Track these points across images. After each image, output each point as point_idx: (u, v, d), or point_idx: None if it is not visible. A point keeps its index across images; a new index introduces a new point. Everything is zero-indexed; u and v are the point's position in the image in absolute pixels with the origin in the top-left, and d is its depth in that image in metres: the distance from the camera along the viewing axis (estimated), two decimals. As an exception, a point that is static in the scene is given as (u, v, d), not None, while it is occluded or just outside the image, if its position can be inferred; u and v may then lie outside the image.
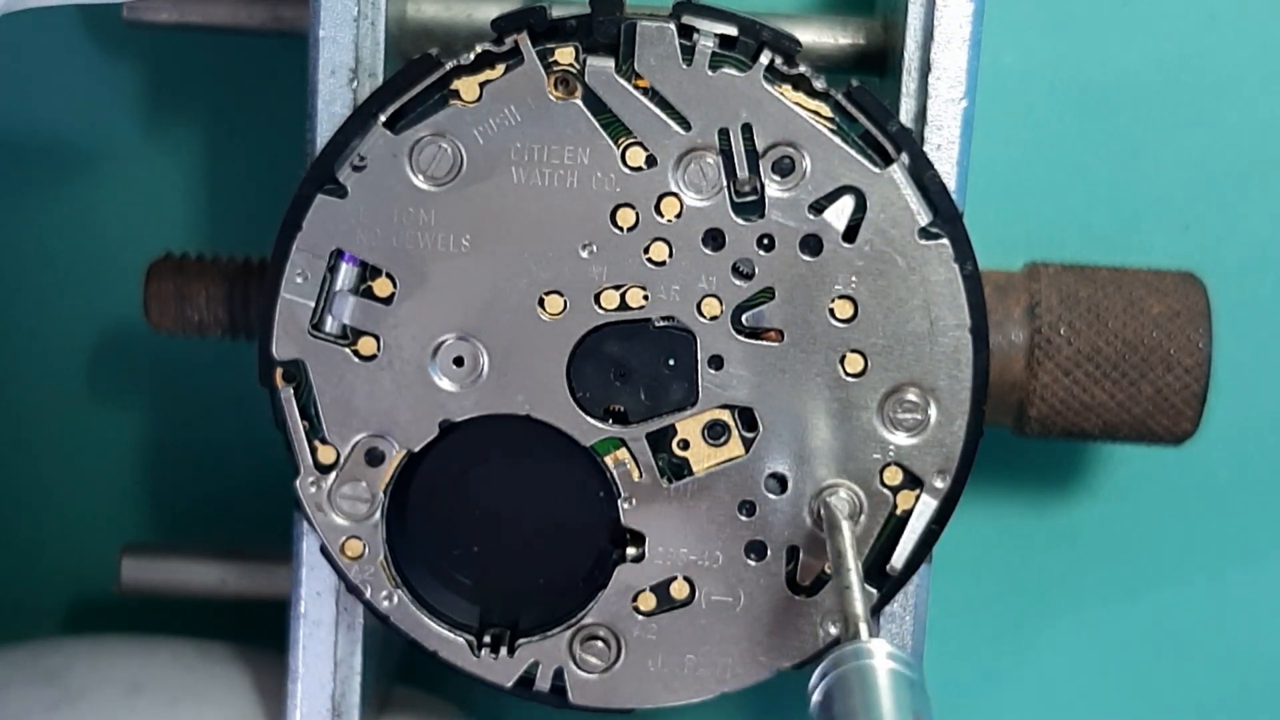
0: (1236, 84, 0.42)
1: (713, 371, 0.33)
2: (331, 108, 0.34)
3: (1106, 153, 0.42)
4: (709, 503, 0.34)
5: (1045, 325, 0.36)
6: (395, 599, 0.34)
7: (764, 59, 0.32)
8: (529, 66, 0.32)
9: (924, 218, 0.33)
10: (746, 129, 0.32)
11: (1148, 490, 0.43)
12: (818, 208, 0.33)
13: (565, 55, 0.32)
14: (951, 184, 0.33)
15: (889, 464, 0.33)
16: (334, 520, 0.34)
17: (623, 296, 0.33)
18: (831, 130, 0.32)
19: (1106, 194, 0.42)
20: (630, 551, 0.34)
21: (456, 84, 0.32)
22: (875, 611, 0.34)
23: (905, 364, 0.33)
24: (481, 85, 0.32)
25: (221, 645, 0.39)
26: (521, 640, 0.34)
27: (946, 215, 0.33)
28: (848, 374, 0.33)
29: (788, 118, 0.32)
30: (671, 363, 0.33)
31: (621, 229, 0.33)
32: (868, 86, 0.33)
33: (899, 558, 0.34)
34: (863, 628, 0.30)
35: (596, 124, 0.32)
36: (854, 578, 0.31)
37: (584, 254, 0.33)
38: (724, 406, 0.33)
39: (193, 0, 0.38)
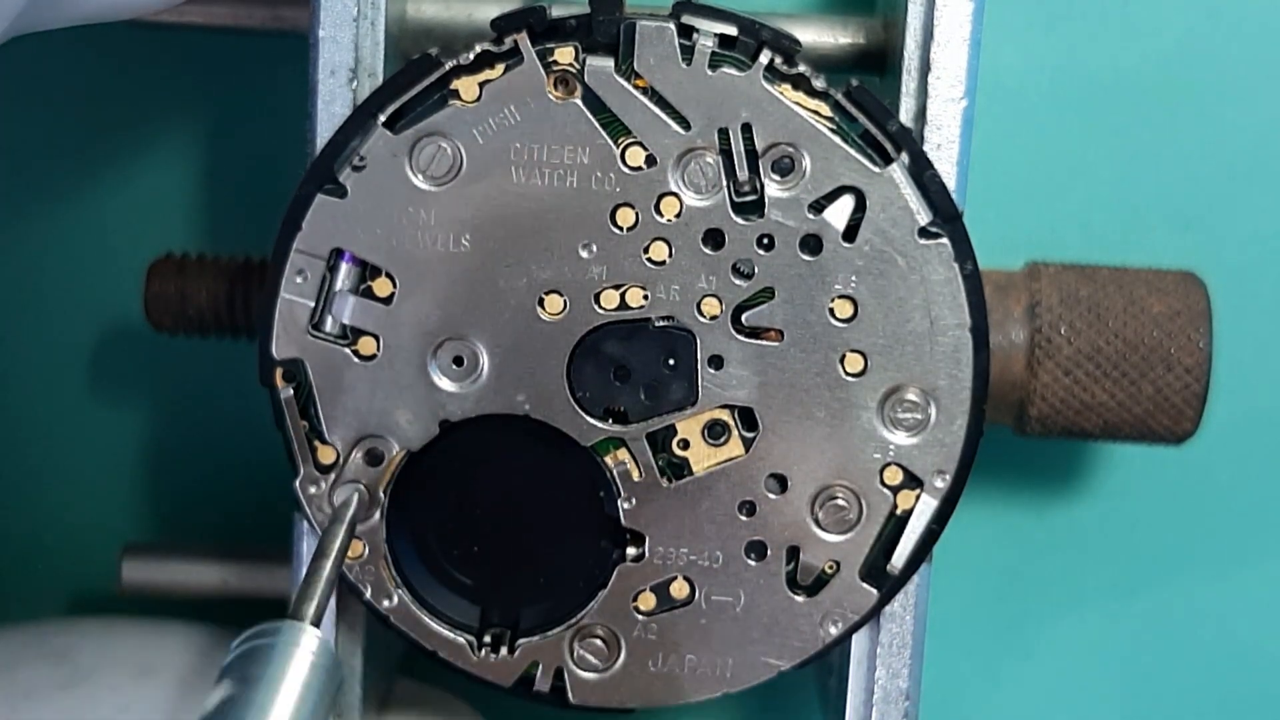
0: (1236, 84, 0.42)
1: (713, 371, 0.33)
2: (331, 108, 0.34)
3: (1106, 153, 0.42)
4: (709, 503, 0.34)
5: (1045, 325, 0.36)
6: (395, 599, 0.34)
7: (764, 58, 0.32)
8: (528, 66, 0.32)
9: (924, 217, 0.33)
10: (746, 128, 0.32)
11: (1148, 490, 0.43)
12: (817, 207, 0.33)
13: (565, 55, 0.32)
14: (951, 183, 0.33)
15: (889, 464, 0.33)
16: (334, 520, 0.34)
17: (622, 296, 0.33)
18: (831, 130, 0.32)
19: (1106, 194, 0.42)
20: (630, 551, 0.34)
21: (456, 84, 0.32)
22: (875, 611, 0.34)
23: (905, 363, 0.33)
24: (481, 85, 0.32)
25: (232, 632, 0.39)
26: (521, 640, 0.34)
27: (946, 215, 0.33)
28: (848, 374, 0.33)
29: (787, 117, 0.32)
30: (671, 362, 0.33)
31: (621, 229, 0.33)
32: (867, 86, 0.33)
33: (899, 557, 0.34)
34: (310, 612, 0.30)
35: (596, 124, 0.32)
36: (329, 569, 0.31)
37: (584, 254, 0.33)
38: (724, 406, 0.33)
39: (193, 0, 0.38)
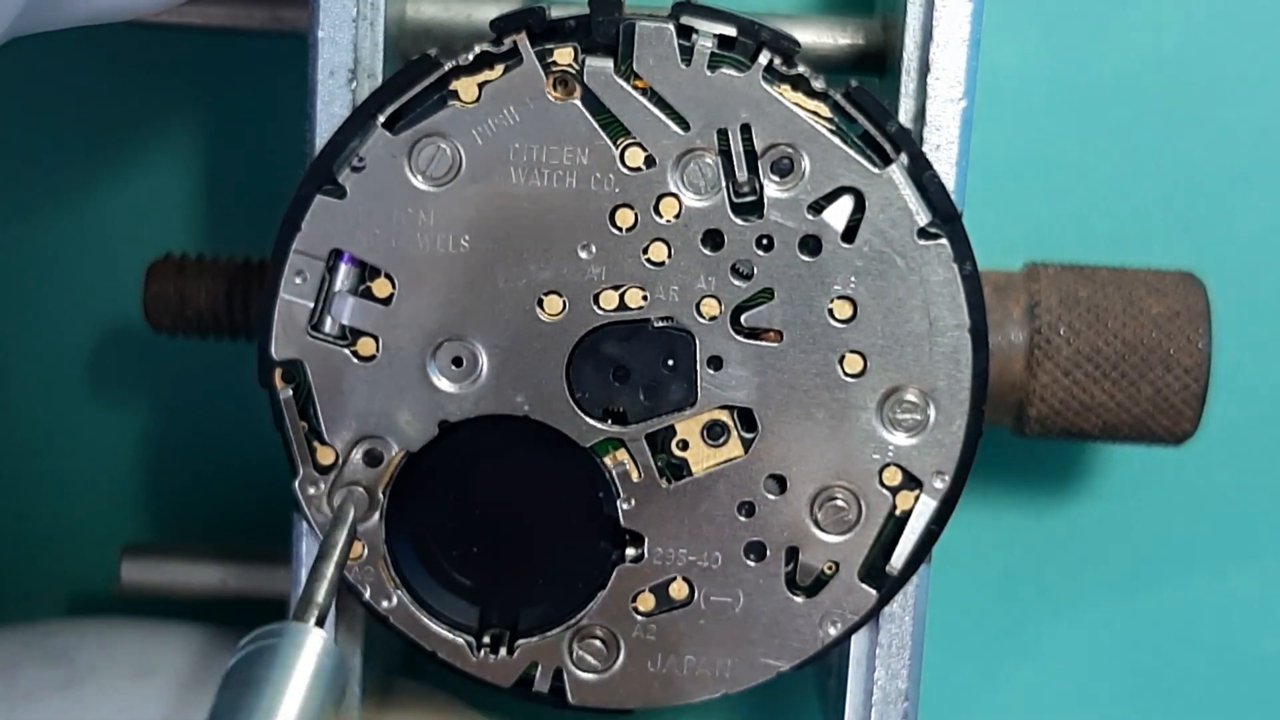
0: (1236, 84, 0.42)
1: (712, 372, 0.33)
2: (331, 108, 0.34)
3: (1106, 153, 0.42)
4: (708, 503, 0.34)
5: (1045, 325, 0.36)
6: (395, 599, 0.34)
7: (763, 59, 0.32)
8: (528, 67, 0.32)
9: (923, 218, 0.33)
10: (745, 129, 0.32)
11: (1148, 490, 0.43)
12: (817, 208, 0.33)
13: (564, 56, 0.32)
14: (950, 184, 0.33)
15: (888, 464, 0.33)
16: (333, 521, 0.34)
17: (622, 297, 0.33)
18: (830, 130, 0.32)
19: (1106, 194, 0.42)
20: (629, 552, 0.34)
21: (455, 85, 0.32)
22: (874, 612, 0.34)
23: (904, 364, 0.33)
24: (480, 86, 0.32)
25: (232, 631, 0.39)
26: (520, 641, 0.34)
27: (945, 215, 0.33)
28: (847, 374, 0.33)
29: (787, 118, 0.32)
30: (670, 363, 0.33)
31: (620, 229, 0.33)
32: (867, 87, 0.33)
33: (898, 558, 0.34)
34: (314, 613, 0.30)
35: (595, 124, 0.32)
36: (332, 569, 0.31)
37: (583, 254, 0.33)
38: (723, 407, 0.33)
39: (193, 1, 0.38)
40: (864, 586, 0.34)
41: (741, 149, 0.32)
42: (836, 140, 0.32)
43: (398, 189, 0.33)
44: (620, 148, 0.32)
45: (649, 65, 0.32)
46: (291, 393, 0.33)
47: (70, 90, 0.43)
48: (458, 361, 0.33)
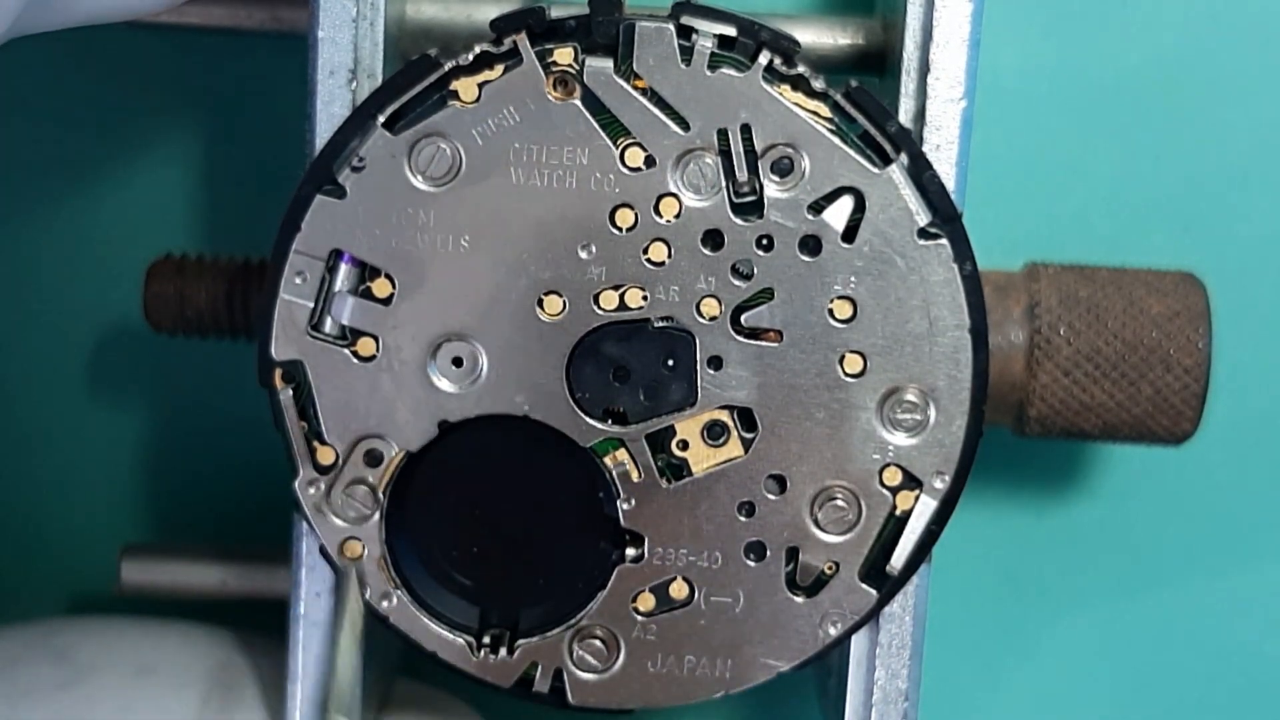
0: (1236, 84, 0.42)
1: (712, 372, 0.33)
2: (330, 108, 0.34)
3: (1106, 153, 0.42)
4: (708, 503, 0.34)
5: (1045, 325, 0.36)
6: (394, 600, 0.34)
7: (763, 59, 0.32)
8: (528, 67, 0.32)
9: (923, 218, 0.33)
10: (745, 129, 0.32)
11: (1148, 490, 0.43)
12: (817, 208, 0.33)
13: (564, 56, 0.32)
14: (951, 184, 0.33)
15: (888, 464, 0.33)
16: (333, 521, 0.34)
17: (622, 297, 0.33)
18: (830, 130, 0.32)
19: (1106, 194, 0.42)
20: (629, 552, 0.34)
21: (455, 85, 0.32)
22: (874, 612, 0.34)
23: (904, 364, 0.33)
24: (480, 86, 0.32)
25: (232, 631, 0.39)
26: (520, 641, 0.34)
27: (945, 215, 0.33)
28: (847, 374, 0.33)
29: (787, 118, 0.32)
30: (671, 363, 0.33)
31: (620, 229, 0.33)
32: (867, 87, 0.33)
33: (899, 558, 0.34)
34: (343, 704, 0.30)
35: (595, 124, 0.32)
36: (353, 660, 0.31)
37: (583, 254, 0.33)
38: (723, 407, 0.33)
39: (192, 1, 0.38)
40: (864, 586, 0.34)
41: (741, 149, 0.32)
42: (836, 140, 0.32)
43: (398, 189, 0.33)
44: (620, 148, 0.32)
45: (649, 65, 0.32)
46: (291, 393, 0.33)
47: (70, 91, 0.43)
48: (458, 361, 0.33)
